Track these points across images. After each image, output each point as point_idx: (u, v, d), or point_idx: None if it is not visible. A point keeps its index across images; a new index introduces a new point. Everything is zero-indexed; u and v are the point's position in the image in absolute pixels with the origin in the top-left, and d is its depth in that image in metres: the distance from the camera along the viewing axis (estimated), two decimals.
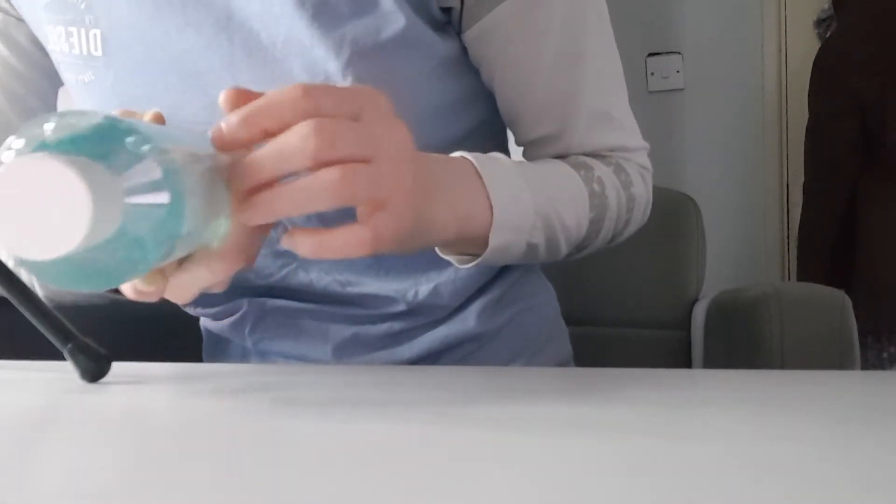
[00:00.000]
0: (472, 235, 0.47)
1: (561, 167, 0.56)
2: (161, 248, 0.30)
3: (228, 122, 0.34)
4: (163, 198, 0.29)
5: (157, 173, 0.29)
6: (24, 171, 0.26)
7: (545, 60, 0.56)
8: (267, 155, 0.34)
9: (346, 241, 0.36)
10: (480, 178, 0.47)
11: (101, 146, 0.29)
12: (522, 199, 0.50)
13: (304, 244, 0.36)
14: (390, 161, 0.37)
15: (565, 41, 0.56)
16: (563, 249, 0.55)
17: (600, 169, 0.57)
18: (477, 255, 0.49)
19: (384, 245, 0.37)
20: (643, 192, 0.61)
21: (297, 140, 0.34)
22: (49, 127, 0.29)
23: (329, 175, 0.34)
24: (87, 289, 0.31)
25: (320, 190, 0.34)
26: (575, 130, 0.58)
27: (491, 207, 0.47)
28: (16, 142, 0.29)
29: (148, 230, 0.29)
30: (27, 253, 0.27)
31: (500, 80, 0.57)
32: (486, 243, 0.48)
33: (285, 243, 0.36)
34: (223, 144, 0.35)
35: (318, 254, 0.36)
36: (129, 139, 0.29)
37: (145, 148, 0.29)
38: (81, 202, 0.26)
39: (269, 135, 0.35)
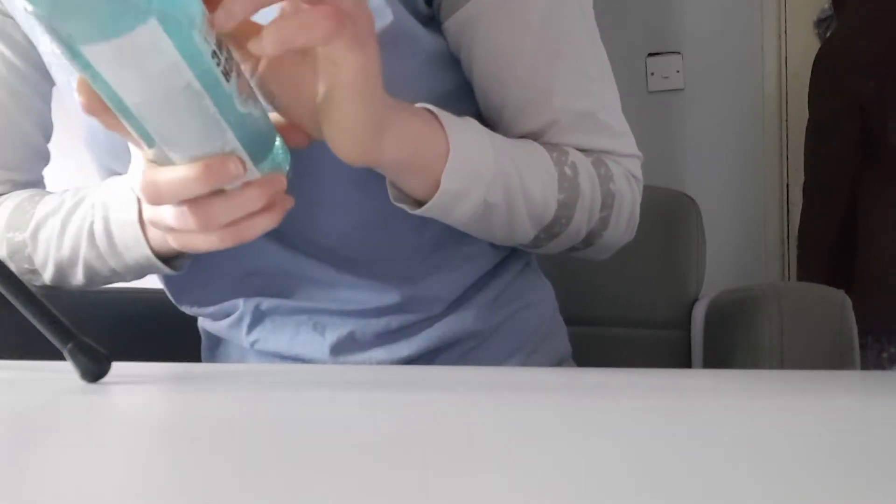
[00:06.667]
0: (426, 165, 0.46)
1: (533, 144, 0.55)
2: None
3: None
4: None
5: None
6: None
7: (524, 53, 0.55)
8: None
9: (305, 19, 0.35)
10: (439, 122, 0.46)
11: None
12: (482, 150, 0.48)
13: (268, 36, 0.35)
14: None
15: (546, 36, 0.55)
16: (528, 226, 0.54)
17: (576, 156, 0.56)
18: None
19: (344, 25, 0.36)
20: (627, 195, 0.59)
21: None
22: None
23: None
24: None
25: None
26: (555, 131, 0.57)
27: (448, 147, 0.46)
28: None
29: None
30: None
31: (479, 74, 0.56)
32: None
33: (252, 47, 0.35)
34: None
35: (283, 37, 0.35)
36: None
37: None
38: None
39: None
